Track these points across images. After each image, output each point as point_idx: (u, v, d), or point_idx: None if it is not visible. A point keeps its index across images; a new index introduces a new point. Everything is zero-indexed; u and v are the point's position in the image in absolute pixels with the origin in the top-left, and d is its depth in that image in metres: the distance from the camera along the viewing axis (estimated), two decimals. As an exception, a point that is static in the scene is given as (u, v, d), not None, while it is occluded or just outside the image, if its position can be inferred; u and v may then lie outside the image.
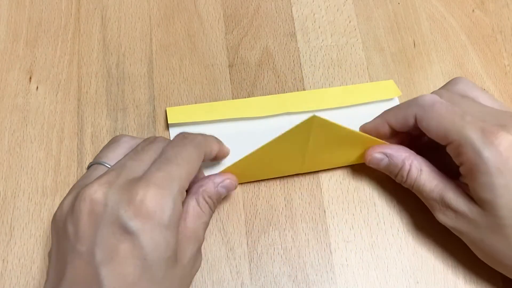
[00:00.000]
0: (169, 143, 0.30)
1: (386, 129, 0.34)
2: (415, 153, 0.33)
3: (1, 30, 0.41)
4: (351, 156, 0.35)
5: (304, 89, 0.40)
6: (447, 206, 0.31)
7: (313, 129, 0.30)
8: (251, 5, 0.43)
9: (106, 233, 0.25)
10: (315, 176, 0.37)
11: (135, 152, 0.30)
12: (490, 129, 0.29)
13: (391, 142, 0.34)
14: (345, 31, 0.42)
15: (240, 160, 0.32)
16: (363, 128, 0.35)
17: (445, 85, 0.35)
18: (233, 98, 0.39)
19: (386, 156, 0.33)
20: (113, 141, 0.31)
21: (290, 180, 0.37)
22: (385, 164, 0.33)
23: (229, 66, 0.40)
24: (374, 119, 0.35)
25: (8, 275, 0.33)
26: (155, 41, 0.41)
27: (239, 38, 0.41)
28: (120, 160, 0.29)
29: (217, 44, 0.41)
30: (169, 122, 0.37)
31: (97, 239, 0.25)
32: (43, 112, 0.38)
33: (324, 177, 0.37)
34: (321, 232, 0.35)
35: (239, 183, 0.34)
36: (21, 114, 0.38)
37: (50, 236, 0.29)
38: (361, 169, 0.37)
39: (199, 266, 0.30)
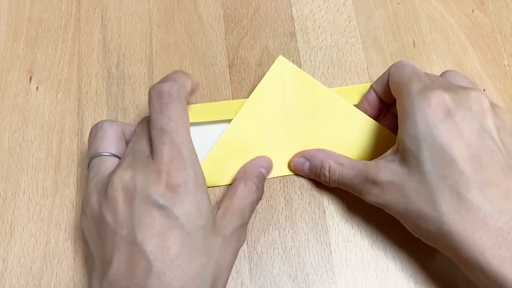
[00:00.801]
0: (152, 109, 0.30)
1: (373, 97, 0.36)
2: (334, 152, 0.35)
3: (1, 30, 0.41)
4: (333, 125, 0.37)
5: (304, 89, 0.40)
6: (372, 182, 0.31)
7: (284, 75, 0.37)
8: (251, 5, 0.43)
9: (142, 212, 0.27)
10: (315, 176, 0.37)
11: (137, 134, 0.31)
12: (431, 87, 0.30)
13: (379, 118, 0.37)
14: (345, 31, 0.42)
15: (229, 129, 0.36)
16: (357, 104, 0.37)
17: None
18: (233, 98, 0.39)
19: (307, 159, 0.36)
20: (98, 130, 0.32)
21: (290, 180, 0.37)
22: (307, 167, 0.36)
23: (229, 66, 0.40)
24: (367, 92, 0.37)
25: (8, 275, 0.33)
26: (155, 41, 0.41)
27: (239, 38, 0.41)
28: (128, 146, 0.31)
29: (217, 44, 0.41)
30: None
31: (135, 220, 0.27)
32: (43, 112, 0.38)
33: (324, 177, 0.37)
34: (321, 232, 0.35)
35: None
36: (21, 114, 0.38)
37: (85, 239, 0.30)
38: (361, 169, 0.37)
39: (244, 241, 0.32)
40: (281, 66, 0.38)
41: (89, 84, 0.39)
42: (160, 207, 0.27)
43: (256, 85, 0.38)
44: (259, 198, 0.34)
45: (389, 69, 0.35)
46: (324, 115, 0.37)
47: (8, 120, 0.38)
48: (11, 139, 0.37)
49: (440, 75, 0.35)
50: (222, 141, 0.36)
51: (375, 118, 0.37)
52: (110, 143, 0.31)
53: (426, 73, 0.33)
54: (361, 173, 0.32)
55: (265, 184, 0.36)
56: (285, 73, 0.37)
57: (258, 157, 0.36)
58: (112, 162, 0.31)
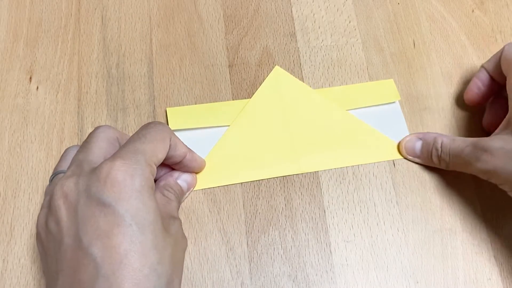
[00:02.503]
0: (138, 131, 0.31)
1: (485, 75, 0.37)
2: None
3: (1, 30, 0.41)
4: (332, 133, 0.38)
5: (304, 89, 0.40)
6: (482, 149, 0.32)
7: (281, 84, 0.38)
8: (251, 5, 0.43)
9: (85, 214, 0.26)
10: (315, 176, 0.37)
11: (81, 146, 0.30)
12: None
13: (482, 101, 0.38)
14: (345, 31, 0.42)
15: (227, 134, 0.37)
16: (466, 91, 0.38)
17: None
18: (233, 98, 0.39)
19: (419, 138, 0.37)
20: (63, 154, 0.32)
21: (290, 180, 0.37)
22: (419, 145, 0.36)
23: (229, 66, 0.40)
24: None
25: (8, 275, 0.33)
26: (155, 41, 0.41)
27: (239, 38, 0.41)
28: (73, 158, 0.30)
29: (217, 44, 0.41)
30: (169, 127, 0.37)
31: (78, 224, 0.26)
32: (43, 112, 0.38)
33: (324, 177, 0.37)
34: (321, 232, 0.35)
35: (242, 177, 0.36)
36: (21, 114, 0.38)
37: (39, 254, 0.29)
38: (361, 169, 0.37)
39: (186, 245, 0.31)
40: (277, 76, 0.39)
41: (89, 84, 0.39)
42: (104, 205, 0.26)
43: (255, 87, 0.39)
44: (180, 201, 0.34)
45: (502, 48, 0.35)
46: (320, 121, 0.38)
47: (8, 120, 0.38)
48: (11, 139, 0.37)
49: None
50: (221, 144, 0.37)
51: (487, 97, 0.38)
52: (68, 163, 0.31)
53: None
54: (472, 143, 0.33)
55: (265, 184, 0.36)
56: (281, 82, 0.39)
57: (178, 170, 0.35)
58: None
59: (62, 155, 0.32)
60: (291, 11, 0.43)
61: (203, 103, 0.39)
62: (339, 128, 0.38)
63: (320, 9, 0.43)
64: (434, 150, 0.36)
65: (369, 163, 0.37)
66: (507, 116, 0.32)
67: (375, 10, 0.43)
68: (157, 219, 0.27)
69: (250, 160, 0.36)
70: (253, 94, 0.39)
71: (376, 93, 0.39)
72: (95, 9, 0.42)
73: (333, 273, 0.34)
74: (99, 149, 0.30)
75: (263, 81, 0.39)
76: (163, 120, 0.38)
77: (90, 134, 0.31)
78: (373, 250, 0.35)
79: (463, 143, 0.34)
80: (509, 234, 0.35)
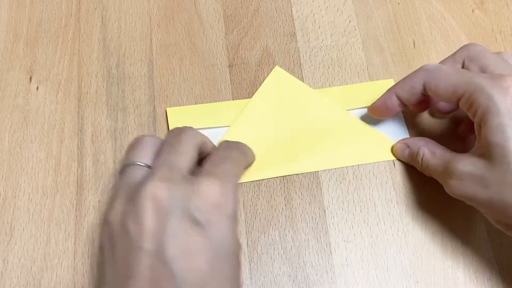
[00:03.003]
0: (219, 147, 0.31)
1: (394, 101, 0.35)
2: (432, 141, 0.35)
3: (1, 30, 0.41)
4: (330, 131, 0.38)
5: (304, 89, 0.40)
6: (451, 173, 0.31)
7: (281, 84, 0.38)
8: (251, 5, 0.43)
9: (176, 227, 0.25)
10: (315, 176, 0.37)
11: (170, 146, 0.29)
12: (499, 76, 0.30)
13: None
14: (345, 31, 0.42)
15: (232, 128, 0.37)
16: (372, 107, 0.37)
17: (454, 53, 0.35)
18: (233, 98, 0.39)
19: (408, 146, 0.36)
20: (138, 141, 0.30)
21: (290, 180, 0.37)
22: (407, 153, 0.36)
23: (229, 66, 0.40)
24: (382, 95, 0.36)
25: (8, 275, 0.33)
26: (155, 41, 0.41)
27: (239, 38, 0.41)
28: (160, 156, 0.28)
29: (217, 44, 0.41)
30: (170, 128, 0.37)
31: (165, 235, 0.25)
32: (43, 112, 0.38)
33: (324, 177, 0.37)
34: (321, 232, 0.35)
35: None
36: (21, 114, 0.38)
37: (100, 239, 0.28)
38: (361, 169, 0.37)
39: None
40: (277, 76, 0.39)
41: (89, 84, 0.39)
42: (198, 225, 0.25)
43: (255, 87, 0.39)
44: None
45: (415, 74, 0.34)
46: (320, 121, 0.38)
47: (8, 120, 0.38)
48: (11, 139, 0.37)
49: (458, 51, 0.35)
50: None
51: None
52: (146, 155, 0.29)
53: (483, 56, 0.33)
54: (445, 163, 0.32)
55: (265, 184, 0.36)
56: (281, 82, 0.39)
57: None
58: (145, 173, 0.28)
59: (135, 142, 0.30)
60: (291, 11, 0.43)
61: (203, 103, 0.39)
62: (339, 128, 0.38)
63: (320, 9, 0.43)
64: (417, 161, 0.35)
65: (369, 163, 0.37)
66: (481, 135, 0.31)
67: (375, 10, 0.43)
68: (239, 250, 0.27)
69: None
70: (253, 94, 0.39)
71: (376, 93, 0.39)
72: (95, 9, 0.42)
73: (333, 273, 0.34)
74: (190, 157, 0.29)
75: (263, 81, 0.39)
76: (163, 120, 0.38)
77: (179, 134, 0.30)
78: (373, 250, 0.35)
79: (440, 160, 0.33)
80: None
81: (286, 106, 0.38)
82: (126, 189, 0.27)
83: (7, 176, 0.36)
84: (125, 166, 0.29)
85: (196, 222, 0.25)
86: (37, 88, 0.39)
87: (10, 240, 0.34)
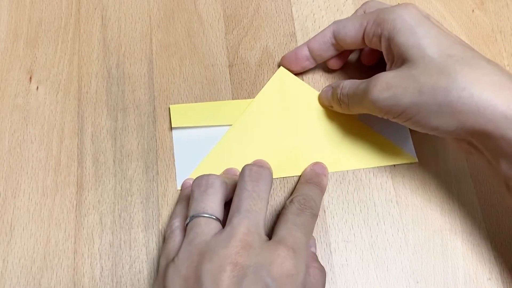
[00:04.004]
0: (291, 209, 0.31)
1: (304, 52, 0.38)
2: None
3: (1, 30, 0.41)
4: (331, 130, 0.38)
5: (304, 89, 0.40)
6: (377, 81, 0.31)
7: (285, 84, 0.38)
8: (251, 5, 0.43)
9: None
10: (315, 176, 0.37)
11: (250, 197, 0.29)
12: (395, 5, 0.33)
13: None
14: (345, 31, 0.42)
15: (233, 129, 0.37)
16: (283, 57, 0.39)
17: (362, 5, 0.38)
18: (233, 98, 0.39)
19: (332, 87, 0.37)
20: (208, 185, 0.30)
21: (290, 180, 0.37)
22: (330, 94, 0.36)
23: (229, 66, 0.40)
24: (296, 48, 0.39)
25: (8, 275, 0.33)
26: (155, 41, 0.41)
27: (239, 38, 0.41)
28: (240, 209, 0.29)
29: (217, 44, 0.41)
30: (173, 126, 0.37)
31: None
32: (43, 112, 0.38)
33: (324, 177, 0.37)
34: (321, 232, 0.35)
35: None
36: (21, 114, 0.38)
37: (165, 282, 0.28)
38: (361, 169, 0.37)
39: None
40: (281, 76, 0.39)
41: (89, 84, 0.39)
42: None
43: (255, 87, 0.38)
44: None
45: (327, 28, 0.37)
46: (322, 123, 0.38)
47: (8, 120, 0.38)
48: (11, 139, 0.37)
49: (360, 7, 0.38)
50: (222, 143, 0.37)
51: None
52: (218, 206, 0.30)
53: (373, 6, 0.36)
54: (367, 80, 0.32)
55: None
56: (285, 83, 0.39)
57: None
58: (216, 226, 0.29)
59: (208, 188, 0.30)
60: (291, 11, 0.43)
61: (203, 102, 0.39)
62: (341, 131, 0.38)
63: (320, 9, 0.43)
64: (335, 93, 0.35)
65: (369, 163, 0.37)
66: (388, 62, 0.33)
67: (375, 10, 0.43)
68: None
69: (252, 160, 0.36)
70: (256, 94, 0.39)
71: None
72: (95, 9, 0.42)
73: (333, 273, 0.34)
74: (265, 214, 0.29)
75: (263, 80, 0.39)
76: (163, 120, 0.38)
77: (258, 180, 0.30)
78: (373, 250, 0.35)
79: (360, 83, 0.33)
80: (509, 234, 0.35)
81: (289, 107, 0.38)
82: (200, 244, 0.28)
83: (7, 176, 0.36)
84: (193, 217, 0.29)
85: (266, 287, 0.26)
86: (37, 88, 0.39)
87: (10, 240, 0.34)
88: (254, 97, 0.39)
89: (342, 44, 0.36)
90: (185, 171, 0.36)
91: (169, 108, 0.38)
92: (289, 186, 0.36)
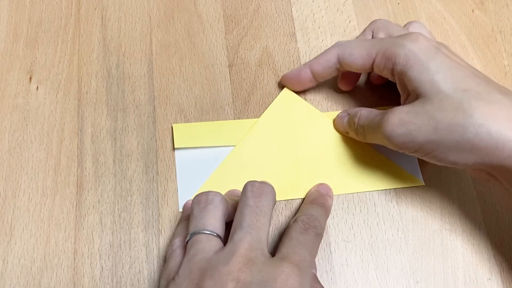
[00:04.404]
0: (295, 227, 0.30)
1: (307, 74, 0.37)
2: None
3: (1, 30, 0.41)
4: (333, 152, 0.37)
5: (304, 89, 0.40)
6: (392, 117, 0.31)
7: (289, 105, 0.37)
8: (251, 5, 0.43)
9: None
10: (315, 176, 0.37)
11: (252, 213, 0.29)
12: (404, 34, 0.32)
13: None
14: (345, 31, 0.42)
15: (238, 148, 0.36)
16: (285, 76, 0.38)
17: (363, 30, 0.38)
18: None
19: (348, 113, 0.36)
20: (208, 202, 0.30)
21: (295, 200, 0.37)
22: (346, 121, 0.36)
23: (229, 66, 0.40)
24: (298, 68, 0.38)
25: (8, 275, 0.33)
26: (155, 41, 0.41)
27: (239, 38, 0.41)
28: (242, 226, 0.28)
29: (217, 44, 0.41)
30: (175, 147, 0.37)
31: None
32: (43, 112, 0.38)
33: (324, 177, 0.37)
34: (321, 232, 0.35)
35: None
36: (21, 114, 0.38)
37: None
38: (361, 169, 0.37)
39: None
40: (286, 97, 0.38)
41: (89, 84, 0.39)
42: None
43: (255, 87, 0.38)
44: None
45: (329, 50, 0.36)
46: (327, 145, 0.37)
47: (8, 120, 0.38)
48: (11, 139, 0.37)
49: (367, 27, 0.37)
50: (226, 163, 0.36)
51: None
52: (219, 222, 0.29)
53: (382, 25, 0.36)
54: (383, 113, 0.32)
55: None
56: (290, 104, 0.38)
57: None
58: (217, 243, 0.28)
59: (207, 204, 0.30)
60: (291, 11, 0.43)
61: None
62: (346, 153, 0.37)
63: (320, 9, 0.43)
64: (353, 121, 0.35)
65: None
66: (402, 96, 0.33)
67: (375, 10, 0.43)
68: None
69: None
70: (255, 94, 0.39)
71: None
72: (95, 9, 0.42)
73: (333, 273, 0.34)
74: (268, 227, 0.29)
75: (263, 80, 0.39)
76: (162, 120, 0.38)
77: (260, 196, 0.30)
78: (373, 250, 0.35)
79: (376, 114, 0.33)
80: (509, 234, 0.35)
81: (294, 128, 0.37)
82: (201, 262, 0.27)
83: (7, 176, 0.36)
84: (193, 234, 0.29)
85: None
86: (37, 88, 0.39)
87: (10, 240, 0.34)
88: (252, 97, 0.39)
89: (348, 69, 0.35)
90: (187, 192, 0.36)
91: (172, 127, 0.38)
92: (294, 206, 0.36)
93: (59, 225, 0.35)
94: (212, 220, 0.29)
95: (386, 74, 0.33)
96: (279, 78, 0.40)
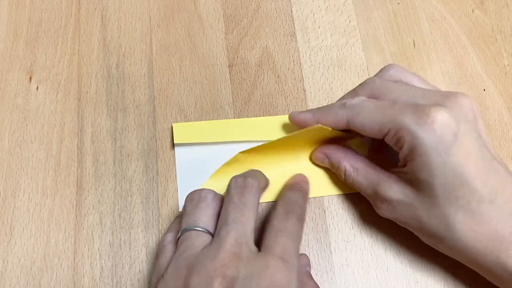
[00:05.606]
0: (276, 213, 0.30)
1: (315, 124, 0.34)
2: (352, 152, 0.35)
3: (1, 30, 0.41)
4: None
5: (304, 90, 0.40)
6: (382, 199, 0.32)
7: (314, 131, 0.34)
8: (251, 5, 0.43)
9: None
10: (315, 176, 0.37)
11: (236, 209, 0.29)
12: (421, 110, 0.29)
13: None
14: (345, 31, 0.42)
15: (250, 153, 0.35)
16: (293, 118, 0.35)
17: (377, 72, 0.35)
18: (233, 98, 0.39)
19: (326, 156, 0.35)
20: (201, 199, 0.30)
21: (290, 180, 0.37)
22: (327, 163, 0.36)
23: (229, 66, 0.40)
24: (305, 112, 0.35)
25: (8, 275, 0.33)
26: (155, 41, 0.41)
27: (239, 38, 0.41)
28: (227, 222, 0.28)
29: (217, 44, 0.41)
30: (175, 142, 0.37)
31: None
32: (43, 112, 0.38)
33: (324, 177, 0.37)
34: (321, 232, 0.35)
35: None
36: (21, 114, 0.38)
37: None
38: (361, 169, 0.37)
39: None
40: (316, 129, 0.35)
41: (89, 84, 0.39)
42: None
43: (255, 87, 0.38)
44: None
45: (339, 111, 0.32)
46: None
47: (8, 120, 0.38)
48: (11, 139, 0.37)
49: (381, 70, 0.34)
50: (229, 161, 0.36)
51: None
52: (210, 220, 0.29)
53: (383, 82, 0.33)
54: (372, 185, 0.32)
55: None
56: (316, 131, 0.35)
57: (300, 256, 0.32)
58: (207, 240, 0.29)
59: (200, 202, 0.30)
60: (291, 11, 0.43)
61: (203, 102, 0.39)
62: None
63: (320, 9, 0.43)
64: (339, 174, 0.35)
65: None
66: (401, 164, 0.31)
67: (375, 10, 0.43)
68: None
69: None
70: (256, 94, 0.39)
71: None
72: (95, 9, 0.42)
73: (333, 273, 0.34)
74: (254, 221, 0.29)
75: (263, 80, 0.39)
76: (163, 120, 0.38)
77: (243, 191, 0.30)
78: (373, 250, 0.35)
79: (365, 180, 0.33)
80: (509, 234, 0.35)
81: (298, 131, 0.35)
82: (189, 258, 0.27)
83: (7, 176, 0.36)
84: (184, 231, 0.29)
85: None
86: (37, 88, 0.39)
87: (10, 240, 0.34)
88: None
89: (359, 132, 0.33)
90: (188, 192, 0.35)
91: (172, 126, 0.38)
92: (289, 186, 0.36)
93: (59, 225, 0.35)
94: (204, 217, 0.29)
95: (395, 149, 0.31)
96: (279, 78, 0.40)
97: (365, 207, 0.36)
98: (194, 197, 0.31)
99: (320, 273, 0.34)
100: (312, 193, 0.36)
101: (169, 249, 0.30)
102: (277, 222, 0.30)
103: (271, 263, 0.26)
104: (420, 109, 0.29)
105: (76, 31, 0.41)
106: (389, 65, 0.34)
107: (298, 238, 0.30)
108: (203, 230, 0.29)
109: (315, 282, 0.31)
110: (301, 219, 0.31)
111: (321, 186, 0.36)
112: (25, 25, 0.41)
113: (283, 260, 0.27)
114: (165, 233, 0.31)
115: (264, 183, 0.33)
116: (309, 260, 0.34)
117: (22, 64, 0.40)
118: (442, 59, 0.41)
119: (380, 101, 0.32)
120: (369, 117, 0.31)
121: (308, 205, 0.36)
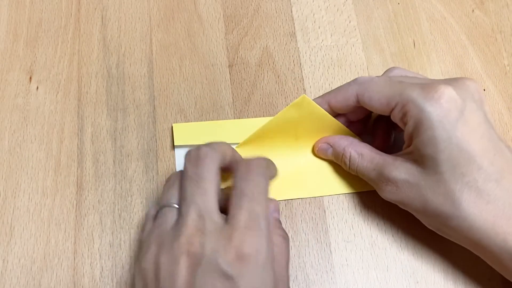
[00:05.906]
0: (237, 174, 0.29)
1: (325, 109, 0.35)
2: (357, 140, 0.35)
3: (1, 30, 0.41)
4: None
5: (304, 90, 0.40)
6: (387, 179, 0.31)
7: (302, 109, 0.34)
8: (251, 5, 0.43)
9: (204, 280, 0.25)
10: (315, 176, 0.37)
11: (193, 182, 0.28)
12: (429, 85, 0.30)
13: None
14: (345, 31, 0.42)
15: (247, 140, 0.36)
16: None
17: (382, 74, 0.35)
18: (233, 98, 0.39)
19: (330, 146, 0.36)
20: (176, 178, 0.30)
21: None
22: (331, 153, 0.36)
23: (229, 66, 0.40)
24: (316, 98, 0.36)
25: (8, 275, 0.33)
26: (155, 41, 0.41)
27: (239, 38, 0.41)
28: (186, 197, 0.28)
29: (217, 44, 0.41)
30: (175, 144, 0.37)
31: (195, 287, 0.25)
32: (43, 112, 0.38)
33: (324, 177, 0.37)
34: (321, 232, 0.35)
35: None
36: (21, 114, 0.38)
37: (134, 280, 0.28)
38: (361, 169, 0.37)
39: None
40: (302, 103, 0.35)
41: (89, 84, 0.39)
42: (227, 277, 0.25)
43: (255, 87, 0.38)
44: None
45: (349, 86, 0.33)
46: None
47: (8, 120, 0.38)
48: (11, 139, 0.37)
49: (385, 72, 0.35)
50: None
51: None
52: (175, 193, 0.29)
53: (398, 75, 0.33)
54: (377, 168, 0.32)
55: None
56: (304, 109, 0.35)
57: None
58: (175, 216, 0.28)
59: (167, 184, 0.30)
60: (291, 11, 0.43)
61: (203, 102, 0.39)
62: None
63: (320, 9, 0.43)
64: (343, 163, 0.35)
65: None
66: (413, 143, 0.30)
67: (375, 10, 0.43)
68: None
69: None
70: (256, 94, 0.39)
71: None
72: (95, 9, 0.42)
73: (333, 273, 0.34)
74: (216, 194, 0.28)
75: (263, 80, 0.39)
76: (163, 120, 0.38)
77: (197, 164, 0.28)
78: (373, 250, 0.35)
79: (370, 163, 0.33)
80: (509, 234, 0.35)
81: (300, 129, 0.36)
82: (159, 236, 0.27)
83: (7, 176, 0.36)
84: (162, 208, 0.29)
85: (226, 276, 0.25)
86: (37, 88, 0.39)
87: (10, 240, 0.34)
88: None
89: (367, 108, 0.34)
90: None
91: (172, 127, 0.38)
92: (294, 206, 0.36)
93: (59, 225, 0.35)
94: (177, 193, 0.29)
95: (400, 125, 0.32)
96: (279, 78, 0.40)
97: (365, 207, 0.36)
98: (171, 177, 0.31)
99: (320, 273, 0.34)
100: (312, 193, 0.36)
101: (149, 225, 0.30)
102: (239, 183, 0.28)
103: (236, 232, 0.26)
104: (428, 85, 0.30)
105: (76, 31, 0.41)
106: (393, 67, 0.35)
107: (262, 200, 0.28)
108: (174, 205, 0.29)
109: (284, 231, 0.30)
110: (264, 176, 0.29)
111: (321, 186, 0.36)
112: (25, 25, 0.41)
113: (249, 228, 0.26)
114: (150, 206, 0.32)
115: (272, 170, 0.32)
116: (277, 204, 0.33)
117: (22, 64, 0.40)
118: (442, 59, 0.41)
119: (389, 77, 0.32)
120: (378, 91, 0.32)
121: (308, 205, 0.36)
